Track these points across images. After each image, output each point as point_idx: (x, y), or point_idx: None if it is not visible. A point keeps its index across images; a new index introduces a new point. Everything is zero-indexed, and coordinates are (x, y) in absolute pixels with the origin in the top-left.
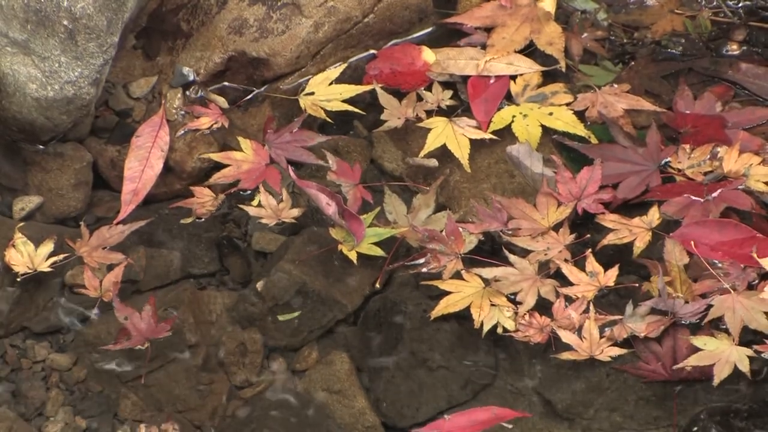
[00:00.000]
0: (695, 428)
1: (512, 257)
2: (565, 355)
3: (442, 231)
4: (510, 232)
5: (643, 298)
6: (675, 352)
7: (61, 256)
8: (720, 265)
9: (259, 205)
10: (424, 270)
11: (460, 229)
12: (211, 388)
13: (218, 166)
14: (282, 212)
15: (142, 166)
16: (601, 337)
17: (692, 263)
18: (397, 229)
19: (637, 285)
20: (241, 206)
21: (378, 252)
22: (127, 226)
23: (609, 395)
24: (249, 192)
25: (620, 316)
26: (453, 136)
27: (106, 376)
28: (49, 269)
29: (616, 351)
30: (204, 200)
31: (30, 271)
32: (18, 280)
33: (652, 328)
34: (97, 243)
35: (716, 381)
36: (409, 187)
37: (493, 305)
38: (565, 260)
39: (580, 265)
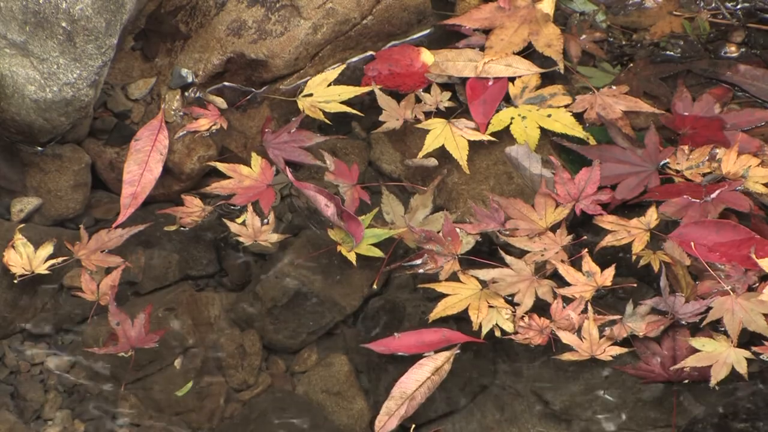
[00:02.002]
0: (694, 429)
1: (509, 258)
2: (566, 356)
3: (439, 232)
4: (507, 233)
5: (643, 297)
6: (675, 353)
7: (60, 260)
8: (721, 267)
9: (243, 223)
10: (421, 271)
11: (457, 230)
12: (210, 390)
13: (218, 171)
14: (261, 235)
15: (141, 169)
16: (601, 337)
17: (691, 265)
18: (396, 230)
19: (635, 285)
20: (225, 219)
21: (377, 253)
22: (125, 230)
23: (607, 396)
24: (238, 207)
25: (619, 316)
26: (451, 137)
27: (104, 378)
28: (46, 272)
29: (618, 350)
30: (192, 210)
31: (27, 273)
32: (15, 282)
33: (652, 327)
34: (96, 246)
35: (713, 382)
36: (406, 188)
37: (491, 307)
38: (562, 261)
39: (577, 265)
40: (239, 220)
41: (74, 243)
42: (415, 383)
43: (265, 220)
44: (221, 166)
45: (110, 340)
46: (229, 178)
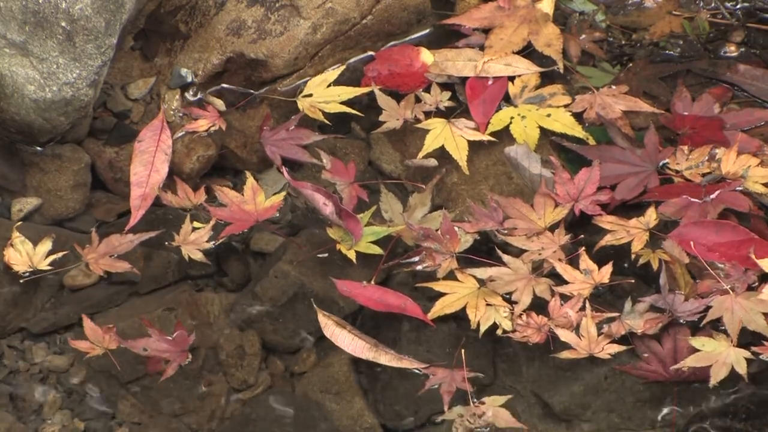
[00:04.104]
0: (693, 429)
1: (506, 257)
2: (565, 354)
3: (437, 230)
4: (505, 232)
5: (642, 295)
6: (676, 353)
7: (60, 254)
8: (720, 266)
9: (194, 229)
10: (419, 268)
11: (456, 228)
12: (210, 390)
13: (217, 173)
14: (190, 246)
15: (148, 170)
16: (599, 335)
17: (690, 264)
18: (395, 227)
19: (632, 281)
20: (188, 216)
21: (376, 251)
22: (136, 236)
23: (607, 396)
24: (208, 216)
25: (618, 313)
26: (451, 137)
27: (104, 377)
28: (48, 268)
29: (616, 348)
30: (188, 199)
31: (30, 269)
32: (21, 280)
33: (650, 324)
34: (106, 251)
35: (712, 382)
36: (405, 187)
37: (488, 305)
38: (559, 259)
39: (575, 263)
40: (196, 224)
41: (83, 245)
42: (352, 338)
43: (212, 243)
44: (250, 181)
45: (153, 363)
46: (240, 193)
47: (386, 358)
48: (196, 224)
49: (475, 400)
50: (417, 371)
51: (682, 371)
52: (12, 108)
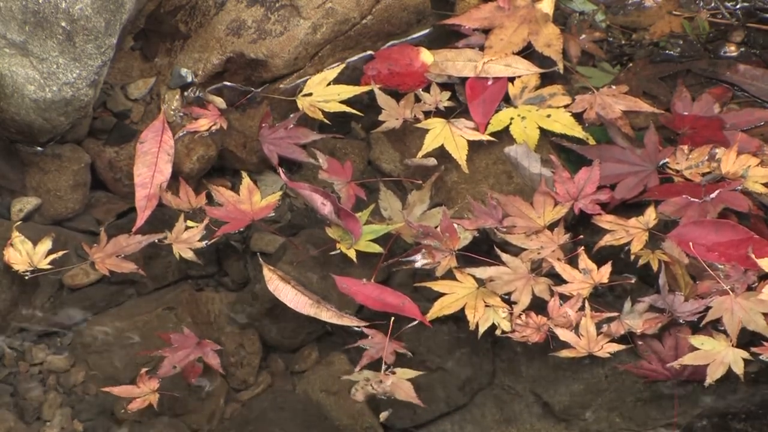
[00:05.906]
0: (694, 429)
1: (505, 256)
2: (564, 353)
3: (436, 227)
4: (504, 230)
5: (641, 296)
6: (677, 352)
7: (60, 254)
8: (720, 266)
9: (187, 227)
10: (419, 266)
11: (455, 226)
12: (210, 390)
13: (218, 173)
14: (181, 245)
15: (152, 171)
16: (598, 334)
17: (689, 264)
18: (394, 225)
19: (632, 281)
20: (182, 215)
21: (376, 249)
22: (144, 237)
23: (607, 396)
24: (200, 214)
25: (617, 313)
26: (451, 137)
27: (103, 377)
28: (48, 267)
29: (615, 347)
30: (189, 202)
31: (30, 269)
32: (16, 280)
33: (650, 324)
34: (113, 250)
35: (708, 381)
36: (404, 185)
37: (487, 306)
38: (558, 259)
39: (574, 263)
40: (190, 223)
41: (91, 246)
42: (296, 293)
43: (205, 242)
44: (246, 181)
45: (188, 371)
46: (236, 192)
47: (327, 315)
48: (189, 223)
49: (387, 366)
50: (356, 328)
51: (683, 370)
52: (12, 108)
